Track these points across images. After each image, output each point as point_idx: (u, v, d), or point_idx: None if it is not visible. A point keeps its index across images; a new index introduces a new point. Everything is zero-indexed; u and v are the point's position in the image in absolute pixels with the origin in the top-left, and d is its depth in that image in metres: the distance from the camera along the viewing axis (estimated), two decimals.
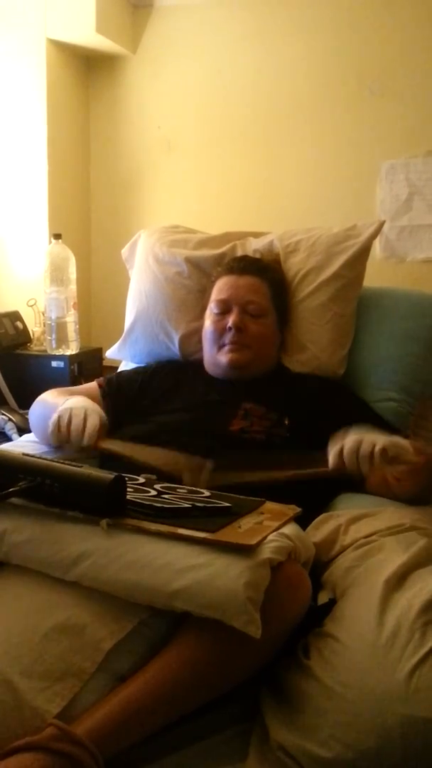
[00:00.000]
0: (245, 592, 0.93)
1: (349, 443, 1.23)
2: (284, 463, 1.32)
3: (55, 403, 1.45)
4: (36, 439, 1.59)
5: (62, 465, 1.10)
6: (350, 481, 1.43)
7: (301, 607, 1.03)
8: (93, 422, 1.35)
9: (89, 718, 0.91)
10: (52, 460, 1.13)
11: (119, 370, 1.94)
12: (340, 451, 1.24)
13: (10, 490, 1.06)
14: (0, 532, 1.07)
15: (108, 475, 1.06)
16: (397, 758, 0.87)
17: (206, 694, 0.97)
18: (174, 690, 0.95)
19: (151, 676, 0.95)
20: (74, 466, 1.10)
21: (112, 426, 1.55)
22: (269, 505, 1.15)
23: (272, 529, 1.05)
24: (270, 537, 1.03)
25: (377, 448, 1.20)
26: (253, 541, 1.00)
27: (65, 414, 1.37)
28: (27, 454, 1.16)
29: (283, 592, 1.00)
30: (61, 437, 1.36)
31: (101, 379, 1.71)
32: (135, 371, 1.76)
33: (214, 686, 0.98)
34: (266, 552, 0.99)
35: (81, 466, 1.10)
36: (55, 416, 1.37)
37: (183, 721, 0.96)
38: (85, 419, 1.36)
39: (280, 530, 1.06)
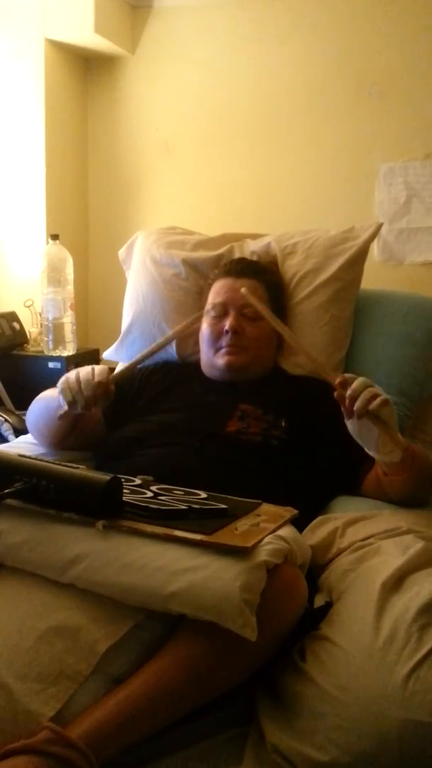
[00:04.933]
0: (241, 595, 0.93)
1: (365, 379, 1.27)
2: None
3: (53, 395, 1.44)
4: (33, 441, 1.59)
5: (58, 466, 1.10)
6: (347, 483, 1.43)
7: (297, 610, 1.03)
8: (101, 368, 1.39)
9: (84, 720, 0.91)
10: (48, 462, 1.13)
11: (116, 371, 1.94)
12: (354, 377, 1.26)
13: (6, 491, 1.06)
14: None
15: (104, 477, 1.06)
16: (393, 761, 0.87)
17: (202, 697, 0.97)
18: (169, 693, 0.94)
19: (146, 679, 0.95)
20: (71, 467, 1.10)
21: (109, 425, 1.55)
22: (266, 507, 1.15)
23: (268, 532, 1.05)
24: (266, 539, 1.03)
25: (381, 398, 1.23)
26: (249, 544, 1.00)
27: (72, 372, 1.40)
28: (23, 455, 1.16)
29: (279, 594, 1.00)
30: (73, 388, 1.35)
31: None
32: (132, 372, 1.75)
33: (209, 689, 0.97)
34: (262, 554, 0.99)
35: (77, 468, 1.10)
36: (62, 378, 1.39)
37: (179, 724, 0.96)
38: (92, 369, 1.39)
39: (277, 532, 1.06)
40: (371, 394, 1.23)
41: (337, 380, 1.26)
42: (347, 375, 1.28)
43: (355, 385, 1.25)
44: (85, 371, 1.38)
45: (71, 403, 1.36)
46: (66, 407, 1.36)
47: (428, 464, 1.33)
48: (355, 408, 1.23)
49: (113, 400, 1.45)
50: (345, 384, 1.25)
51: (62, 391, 1.36)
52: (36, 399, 1.57)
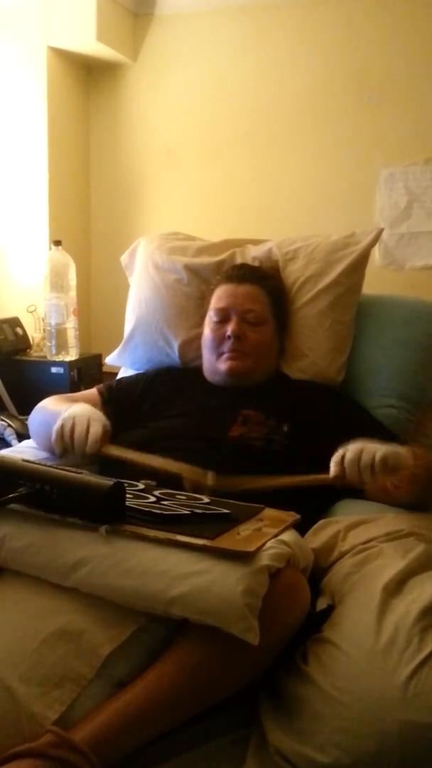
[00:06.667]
0: (243, 599, 0.93)
1: (350, 453, 1.24)
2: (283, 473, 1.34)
3: (57, 411, 1.44)
4: (35, 445, 1.60)
5: (62, 471, 1.10)
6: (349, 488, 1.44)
7: (299, 613, 1.03)
8: (96, 430, 1.35)
9: (87, 724, 0.91)
10: (51, 467, 1.14)
11: (119, 376, 1.94)
12: (342, 460, 1.25)
13: (10, 495, 1.07)
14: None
15: (107, 482, 1.06)
16: (395, 763, 0.87)
17: (205, 701, 0.97)
18: (172, 696, 0.95)
19: (149, 683, 0.95)
20: (74, 472, 1.10)
21: (113, 432, 1.56)
22: (268, 512, 1.16)
23: (271, 536, 1.05)
24: (269, 544, 1.03)
25: (378, 458, 1.21)
26: (252, 548, 1.00)
27: (68, 421, 1.37)
28: (27, 460, 1.16)
29: (282, 598, 1.00)
30: (65, 444, 1.35)
31: (101, 385, 1.71)
32: (135, 377, 1.76)
33: (212, 692, 0.98)
34: (265, 559, 0.99)
35: (80, 473, 1.11)
36: (58, 424, 1.37)
37: (182, 726, 0.96)
38: (88, 427, 1.35)
39: (279, 537, 1.06)
40: (368, 462, 1.21)
41: (331, 477, 1.25)
42: (334, 464, 1.25)
43: (348, 468, 1.23)
44: (78, 432, 1.34)
45: (61, 454, 1.37)
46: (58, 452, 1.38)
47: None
48: (366, 487, 1.25)
49: (113, 413, 1.48)
50: (340, 476, 1.25)
51: (55, 440, 1.36)
52: (36, 408, 1.58)
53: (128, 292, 1.95)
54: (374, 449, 1.23)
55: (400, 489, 1.33)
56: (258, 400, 1.54)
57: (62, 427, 1.36)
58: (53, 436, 1.37)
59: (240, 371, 1.59)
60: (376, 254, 2.23)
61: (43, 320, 2.31)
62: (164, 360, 1.83)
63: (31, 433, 1.62)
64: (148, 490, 1.19)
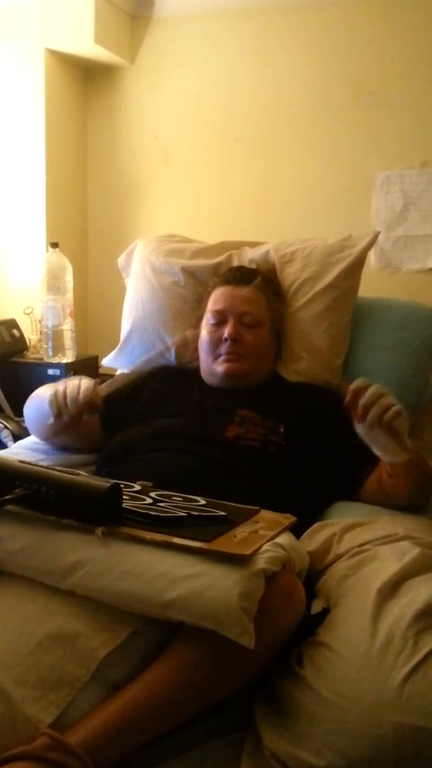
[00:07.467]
0: (239, 603, 0.93)
1: (379, 387, 1.25)
2: None
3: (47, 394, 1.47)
4: (30, 446, 1.60)
5: (58, 473, 1.10)
6: (345, 489, 1.44)
7: (294, 617, 1.04)
8: (88, 382, 1.40)
9: (82, 727, 0.91)
10: (48, 468, 1.14)
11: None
12: (368, 386, 1.25)
13: (6, 497, 1.06)
14: None
15: (104, 483, 1.07)
16: (390, 766, 0.87)
17: (200, 704, 0.97)
18: (168, 699, 0.95)
19: (144, 686, 0.95)
20: (71, 473, 1.10)
21: (108, 430, 1.56)
22: (264, 514, 1.16)
23: (267, 539, 1.05)
24: (264, 547, 1.03)
25: (396, 407, 1.23)
26: (248, 551, 1.00)
27: (61, 384, 1.42)
28: (23, 462, 1.16)
29: (277, 602, 1.00)
30: (59, 402, 1.38)
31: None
32: (131, 376, 1.77)
33: (207, 695, 0.98)
34: (261, 562, 1.00)
35: (78, 474, 1.11)
36: (51, 391, 1.41)
37: (177, 729, 0.96)
38: (79, 383, 1.40)
39: (275, 540, 1.06)
40: (385, 406, 1.23)
41: (351, 388, 1.25)
42: (360, 383, 1.26)
43: (368, 394, 1.24)
44: (72, 386, 1.39)
45: (57, 416, 1.39)
46: (53, 419, 1.40)
47: (429, 468, 1.34)
48: (367, 419, 1.23)
49: (108, 409, 1.49)
50: (358, 393, 1.24)
51: (50, 404, 1.39)
52: (31, 396, 1.59)
53: (125, 294, 1.96)
54: (397, 403, 1.25)
55: (394, 479, 1.33)
56: (255, 400, 1.55)
57: (55, 390, 1.40)
58: (47, 399, 1.39)
59: (237, 373, 1.60)
60: (372, 257, 2.23)
61: (39, 322, 2.31)
62: (161, 362, 1.83)
63: (26, 420, 1.63)
64: (144, 491, 1.19)
